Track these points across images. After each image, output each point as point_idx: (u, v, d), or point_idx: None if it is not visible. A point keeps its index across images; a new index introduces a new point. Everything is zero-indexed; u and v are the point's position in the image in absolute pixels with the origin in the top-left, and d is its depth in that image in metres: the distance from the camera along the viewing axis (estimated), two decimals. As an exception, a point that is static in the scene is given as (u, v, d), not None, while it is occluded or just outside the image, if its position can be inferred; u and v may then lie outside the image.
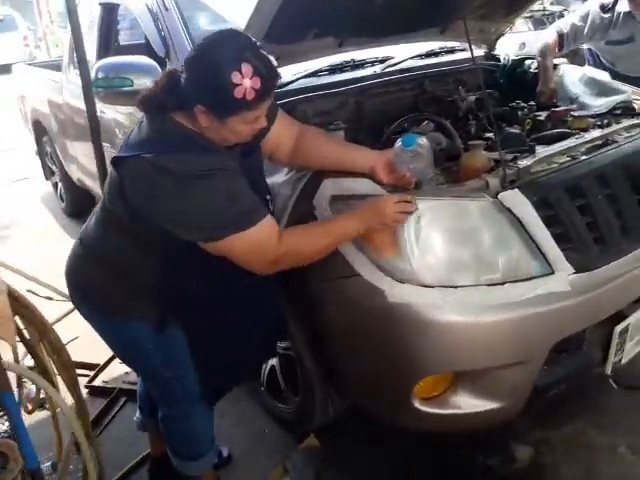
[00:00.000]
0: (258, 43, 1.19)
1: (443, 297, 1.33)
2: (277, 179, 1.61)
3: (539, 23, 6.31)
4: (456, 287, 1.34)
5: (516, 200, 1.38)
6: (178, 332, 1.41)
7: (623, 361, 1.60)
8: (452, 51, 2.64)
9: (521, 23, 6.00)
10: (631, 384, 1.90)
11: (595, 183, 1.48)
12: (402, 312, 1.34)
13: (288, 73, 2.22)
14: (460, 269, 1.37)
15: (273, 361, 1.96)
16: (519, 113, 2.18)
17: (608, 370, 1.57)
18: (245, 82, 1.11)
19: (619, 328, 1.51)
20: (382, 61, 2.38)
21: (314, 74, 2.21)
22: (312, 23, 1.89)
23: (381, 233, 1.41)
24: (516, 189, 1.40)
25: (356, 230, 1.34)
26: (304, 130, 1.52)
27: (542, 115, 2.17)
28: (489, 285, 1.36)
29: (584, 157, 1.56)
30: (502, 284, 1.36)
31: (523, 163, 1.53)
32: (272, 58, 1.20)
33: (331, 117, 2.14)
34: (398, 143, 1.38)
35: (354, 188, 1.46)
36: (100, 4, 3.03)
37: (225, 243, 1.21)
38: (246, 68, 1.11)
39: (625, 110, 2.04)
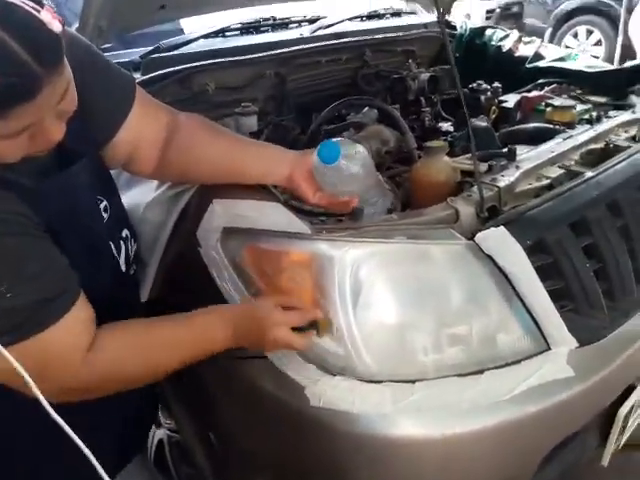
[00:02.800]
0: None
1: (395, 399, 0.85)
2: (141, 197, 1.05)
3: (483, -8, 5.92)
4: (414, 382, 0.87)
5: (503, 244, 0.91)
6: None
7: (622, 443, 1.21)
8: (398, 14, 2.13)
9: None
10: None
11: (606, 213, 1.04)
12: (333, 425, 0.85)
13: (184, 30, 1.65)
14: (419, 351, 0.89)
15: (161, 433, 1.44)
16: (482, 98, 1.72)
17: (606, 460, 1.17)
18: None
19: (624, 410, 1.10)
20: (311, 21, 1.84)
21: (219, 33, 1.64)
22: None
23: (296, 289, 0.91)
24: (502, 227, 0.92)
25: (223, 347, 0.84)
26: (179, 122, 0.95)
27: (509, 101, 1.72)
28: (461, 376, 0.89)
29: (587, 172, 1.11)
30: (480, 372, 0.90)
31: (504, 179, 1.06)
32: (49, 15, 0.60)
33: (241, 94, 1.59)
34: (315, 155, 0.87)
35: (256, 218, 0.93)
36: None
37: None
38: None
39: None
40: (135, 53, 1.51)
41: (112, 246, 0.88)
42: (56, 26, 0.61)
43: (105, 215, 0.87)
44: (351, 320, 0.87)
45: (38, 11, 0.59)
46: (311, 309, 0.86)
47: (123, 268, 0.92)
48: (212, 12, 1.53)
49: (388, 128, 1.39)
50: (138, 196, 1.05)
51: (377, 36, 1.83)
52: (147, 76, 1.39)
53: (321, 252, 0.88)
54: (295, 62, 1.64)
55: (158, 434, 1.42)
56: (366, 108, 1.49)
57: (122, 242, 0.91)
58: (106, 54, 1.38)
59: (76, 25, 1.49)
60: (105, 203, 0.88)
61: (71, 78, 0.67)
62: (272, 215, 0.92)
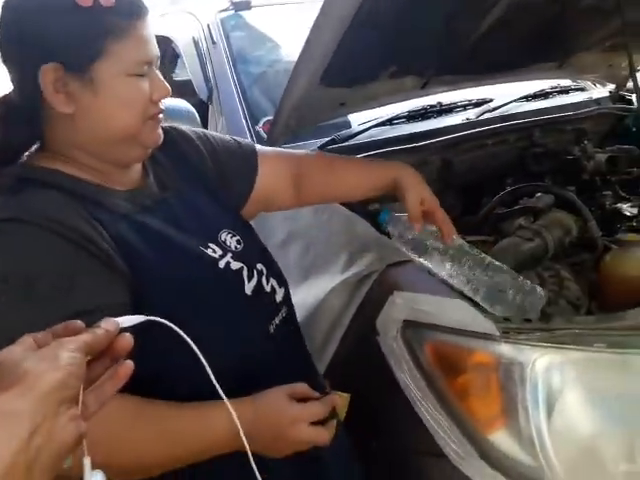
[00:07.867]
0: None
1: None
2: (324, 284, 1.12)
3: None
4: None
5: None
6: None
7: None
8: (566, 91, 2.08)
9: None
10: None
11: None
12: None
13: (354, 122, 1.77)
14: (613, 465, 0.81)
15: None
16: (665, 178, 1.59)
17: None
18: None
19: None
20: (477, 104, 1.86)
21: (387, 123, 1.73)
22: (388, 59, 1.42)
23: (480, 392, 0.89)
24: None
25: (225, 447, 0.71)
26: (302, 159, 1.11)
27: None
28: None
29: None
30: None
31: None
32: None
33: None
34: None
35: (438, 314, 0.94)
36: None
37: None
38: None
39: None
40: (310, 144, 1.65)
41: (244, 270, 0.86)
42: None
43: (239, 246, 0.89)
44: (544, 430, 0.82)
45: None
46: (330, 397, 0.78)
47: (248, 292, 0.85)
48: (385, 105, 1.63)
49: (568, 215, 1.34)
50: (320, 283, 1.13)
51: (546, 116, 1.80)
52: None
53: (510, 356, 0.86)
54: (461, 147, 1.67)
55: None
56: (538, 194, 1.45)
57: (255, 272, 0.87)
58: (285, 145, 1.58)
59: (267, 118, 1.69)
60: (238, 237, 0.90)
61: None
62: (456, 312, 0.92)
